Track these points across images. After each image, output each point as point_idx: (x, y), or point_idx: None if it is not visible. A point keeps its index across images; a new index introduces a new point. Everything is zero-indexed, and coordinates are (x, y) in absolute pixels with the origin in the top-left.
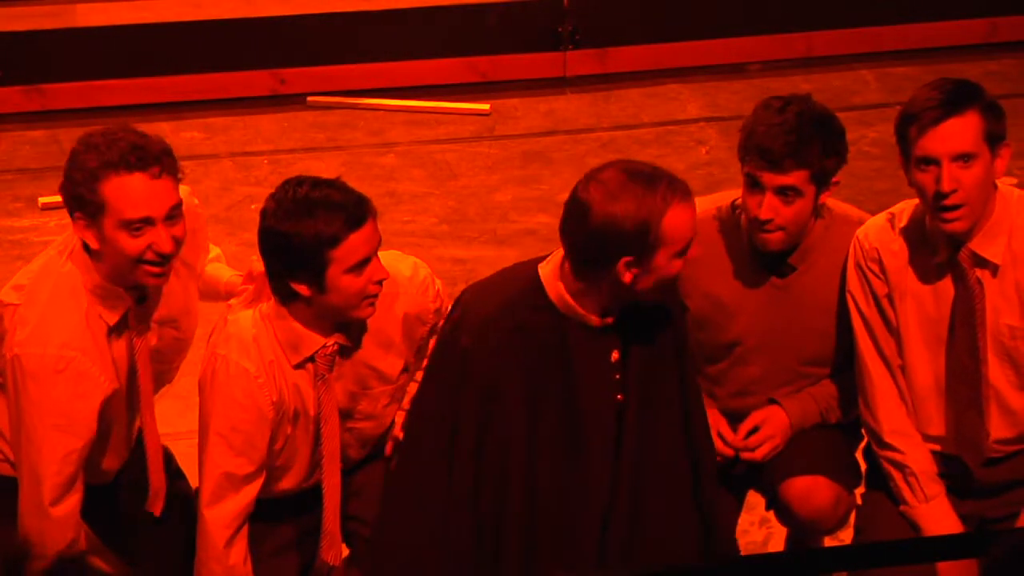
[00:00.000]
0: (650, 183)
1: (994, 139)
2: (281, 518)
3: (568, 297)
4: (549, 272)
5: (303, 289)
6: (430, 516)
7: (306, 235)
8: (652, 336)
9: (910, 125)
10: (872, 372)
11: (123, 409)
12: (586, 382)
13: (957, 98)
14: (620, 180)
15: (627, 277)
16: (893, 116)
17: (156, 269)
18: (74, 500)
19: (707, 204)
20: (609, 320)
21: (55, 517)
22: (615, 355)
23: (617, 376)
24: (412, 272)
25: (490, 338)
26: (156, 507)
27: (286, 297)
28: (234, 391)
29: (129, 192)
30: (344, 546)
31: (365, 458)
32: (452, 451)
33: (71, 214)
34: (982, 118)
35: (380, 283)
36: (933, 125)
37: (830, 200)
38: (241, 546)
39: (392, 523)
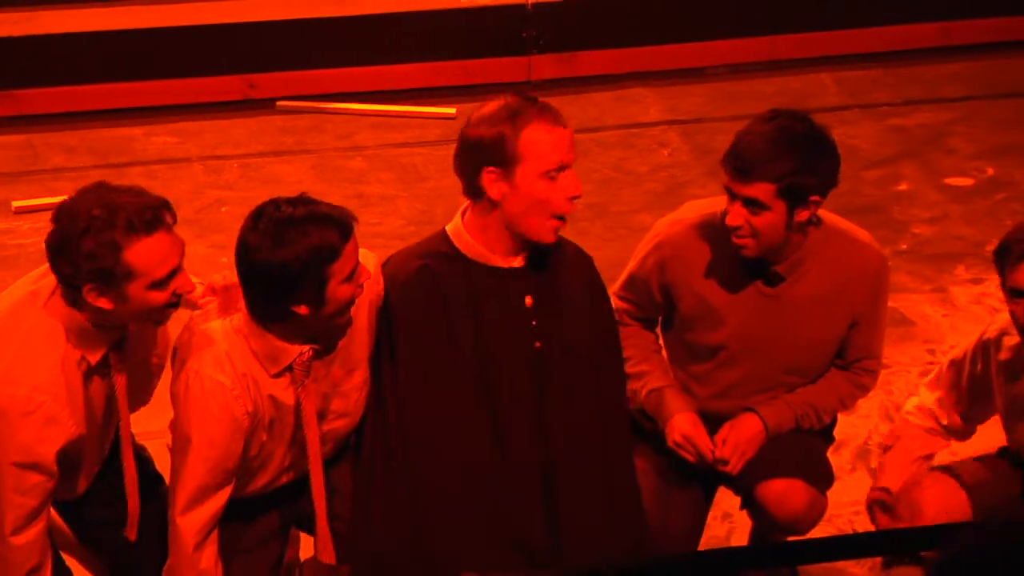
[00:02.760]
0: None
1: None
2: (253, 517)
3: (469, 237)
4: (454, 223)
5: (302, 309)
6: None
7: (304, 256)
8: (565, 282)
9: (1004, 258)
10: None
11: (95, 440)
12: (498, 328)
13: None
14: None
15: (495, 192)
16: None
17: (174, 309)
18: (36, 530)
19: (704, 209)
20: (517, 263)
21: (16, 546)
22: (529, 300)
23: (534, 323)
24: (364, 261)
25: (400, 275)
26: (132, 533)
27: (278, 319)
28: (210, 405)
29: (156, 253)
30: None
31: (337, 456)
32: (393, 390)
33: (77, 288)
34: None
35: (362, 285)
36: (1021, 260)
37: (827, 214)
38: (211, 551)
39: (357, 489)
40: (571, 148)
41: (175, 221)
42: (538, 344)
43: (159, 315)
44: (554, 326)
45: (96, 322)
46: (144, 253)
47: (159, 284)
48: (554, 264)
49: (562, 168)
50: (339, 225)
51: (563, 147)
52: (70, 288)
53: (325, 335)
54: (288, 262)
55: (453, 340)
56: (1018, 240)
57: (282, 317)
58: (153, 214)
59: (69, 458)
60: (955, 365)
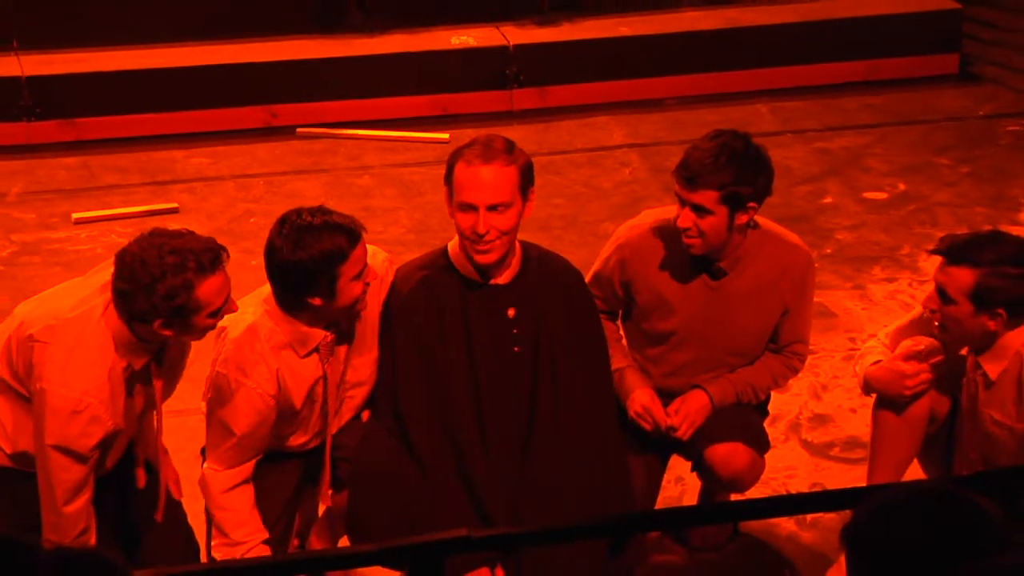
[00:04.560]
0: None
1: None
2: (282, 464)
3: (461, 255)
4: (454, 240)
5: (316, 301)
6: (379, 449)
7: (318, 257)
8: (548, 295)
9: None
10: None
11: (130, 430)
12: (484, 334)
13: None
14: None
15: (449, 212)
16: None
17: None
18: (83, 498)
19: (659, 216)
20: (503, 280)
21: (67, 513)
22: (511, 312)
23: (515, 331)
24: (371, 254)
25: (404, 285)
26: (159, 515)
27: (298, 308)
28: (238, 402)
29: (218, 288)
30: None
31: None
32: (393, 375)
33: (148, 322)
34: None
35: (369, 283)
36: (949, 264)
37: (764, 220)
38: (247, 494)
39: (360, 450)
40: (487, 191)
41: (228, 257)
42: (517, 348)
43: (204, 334)
44: (532, 334)
45: (146, 339)
46: (211, 288)
47: (216, 312)
48: (539, 279)
49: (469, 207)
50: (349, 233)
51: (472, 188)
52: (140, 321)
53: (341, 322)
54: (304, 261)
55: (445, 341)
56: (950, 245)
57: (300, 306)
58: (215, 254)
59: (105, 444)
60: (916, 323)
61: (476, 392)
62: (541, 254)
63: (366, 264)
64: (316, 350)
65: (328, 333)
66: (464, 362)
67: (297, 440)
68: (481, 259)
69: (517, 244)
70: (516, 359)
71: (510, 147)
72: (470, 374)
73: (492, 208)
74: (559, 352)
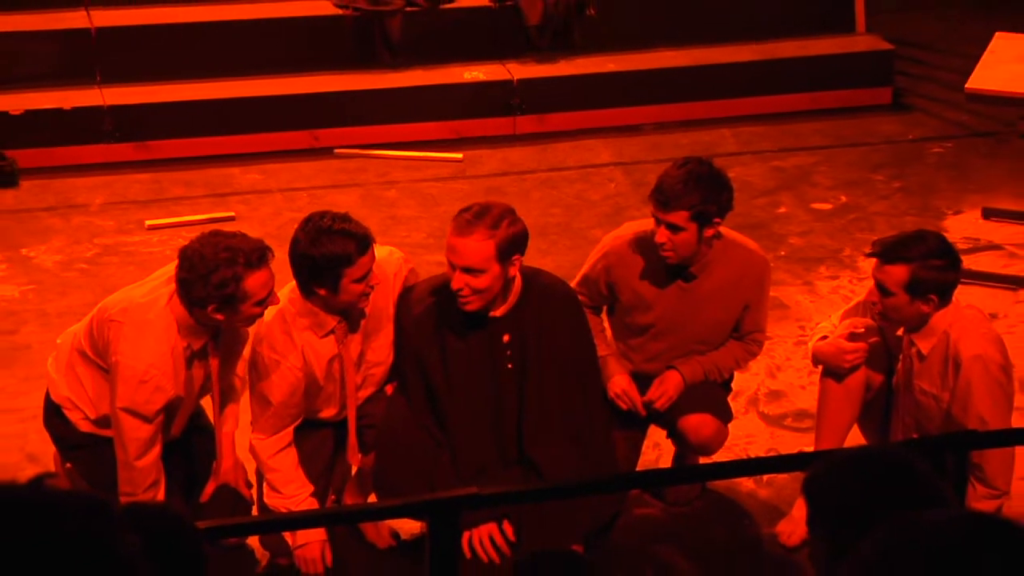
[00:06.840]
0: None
1: (919, 289)
2: (316, 429)
3: None
4: None
5: (322, 291)
6: (401, 417)
7: (329, 256)
8: (543, 319)
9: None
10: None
11: (190, 403)
12: (480, 354)
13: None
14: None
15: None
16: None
17: (261, 316)
18: (154, 453)
19: (638, 227)
20: (499, 312)
21: (139, 468)
22: (506, 338)
23: (508, 352)
24: (388, 253)
25: (410, 311)
26: (216, 480)
27: (310, 294)
28: (272, 376)
29: (263, 282)
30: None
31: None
32: (405, 384)
33: (203, 307)
34: (908, 269)
35: (372, 286)
36: (885, 263)
37: (728, 231)
38: (291, 456)
39: (385, 418)
40: (461, 257)
41: (273, 256)
42: (510, 366)
43: (253, 321)
44: (523, 353)
45: (202, 322)
46: (256, 281)
47: (261, 302)
48: (535, 306)
49: (450, 264)
50: (360, 242)
51: (451, 250)
52: (197, 306)
53: (350, 312)
54: (315, 257)
55: (445, 361)
56: (883, 246)
57: (311, 293)
58: (261, 253)
59: (169, 412)
60: (860, 306)
61: (468, 400)
62: (542, 282)
63: (371, 271)
64: (333, 331)
65: (340, 319)
66: (460, 375)
67: (328, 412)
68: (462, 308)
69: (518, 276)
70: (509, 373)
71: (497, 220)
72: (465, 385)
73: (466, 271)
74: (546, 361)
